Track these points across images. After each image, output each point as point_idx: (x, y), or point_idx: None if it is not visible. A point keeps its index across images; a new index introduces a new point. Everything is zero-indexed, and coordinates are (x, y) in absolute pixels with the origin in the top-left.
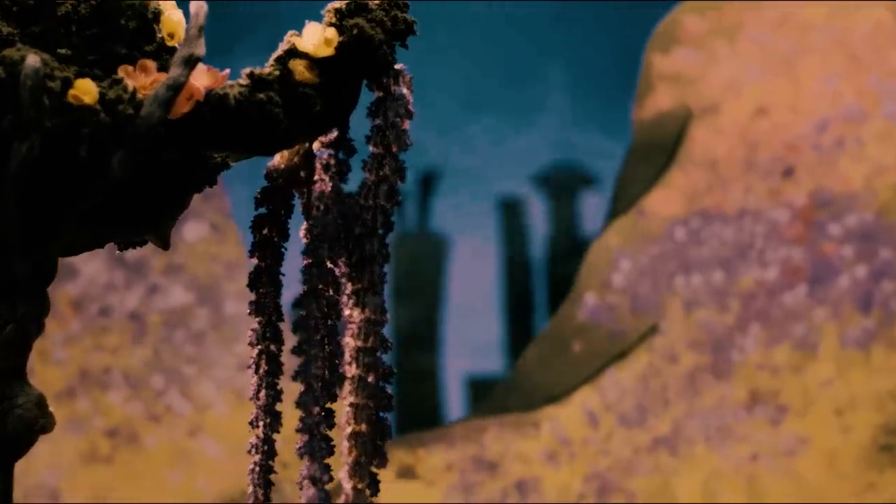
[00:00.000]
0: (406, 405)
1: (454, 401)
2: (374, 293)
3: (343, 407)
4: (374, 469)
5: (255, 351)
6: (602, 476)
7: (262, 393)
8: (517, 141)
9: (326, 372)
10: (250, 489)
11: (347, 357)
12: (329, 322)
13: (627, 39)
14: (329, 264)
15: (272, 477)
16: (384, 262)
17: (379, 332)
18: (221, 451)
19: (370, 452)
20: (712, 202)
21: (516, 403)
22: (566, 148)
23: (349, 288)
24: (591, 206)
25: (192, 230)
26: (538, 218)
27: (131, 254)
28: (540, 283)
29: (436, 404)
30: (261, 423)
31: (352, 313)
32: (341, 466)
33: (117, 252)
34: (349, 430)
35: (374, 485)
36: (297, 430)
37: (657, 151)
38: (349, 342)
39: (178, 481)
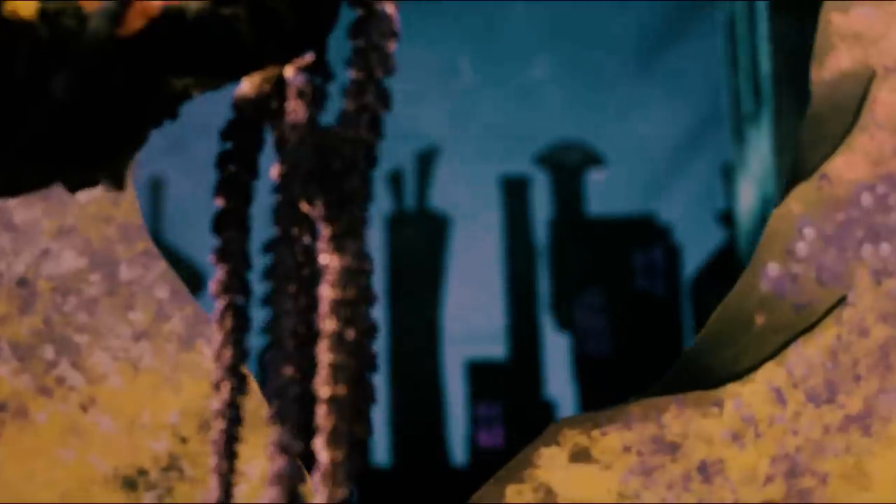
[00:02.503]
0: (405, 389)
1: (455, 385)
2: (354, 237)
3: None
4: (355, 438)
5: (219, 304)
6: (791, 457)
7: (227, 352)
8: (522, 118)
9: (300, 327)
10: (214, 459)
11: (325, 310)
12: (304, 271)
13: (637, 20)
14: (304, 205)
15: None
16: (366, 202)
17: (360, 281)
18: (117, 426)
19: (350, 418)
20: None
21: (696, 380)
22: (572, 126)
23: (326, 231)
24: (598, 186)
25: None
26: (542, 198)
27: (19, 216)
28: (543, 265)
29: (436, 388)
30: (225, 386)
31: (329, 260)
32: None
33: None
34: (326, 392)
35: (356, 455)
36: (267, 393)
37: (839, 114)
38: (326, 293)
39: (71, 458)
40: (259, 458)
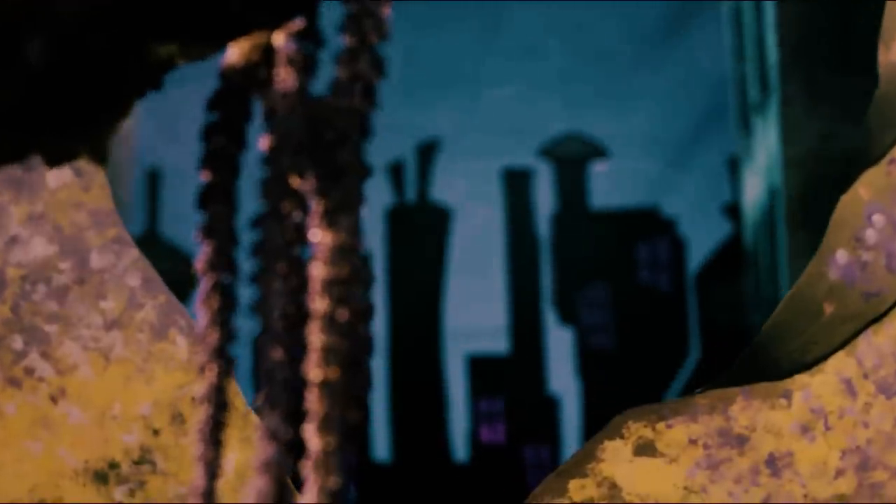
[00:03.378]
0: (406, 384)
1: (456, 380)
2: (347, 212)
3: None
4: (349, 424)
5: (206, 283)
6: (862, 450)
7: (213, 333)
8: (525, 112)
9: (290, 308)
10: (199, 447)
11: (316, 290)
12: (294, 248)
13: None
14: (294, 178)
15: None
16: (361, 176)
17: (353, 259)
18: (87, 418)
19: (343, 403)
20: None
21: (764, 371)
22: (576, 120)
23: (318, 206)
24: (602, 179)
25: (54, 175)
26: (545, 191)
27: None
28: (546, 258)
29: (438, 383)
30: (211, 369)
31: (321, 237)
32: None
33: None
34: (317, 376)
35: (350, 443)
36: (255, 376)
37: None
38: (317, 272)
39: (40, 451)
40: (234, 450)
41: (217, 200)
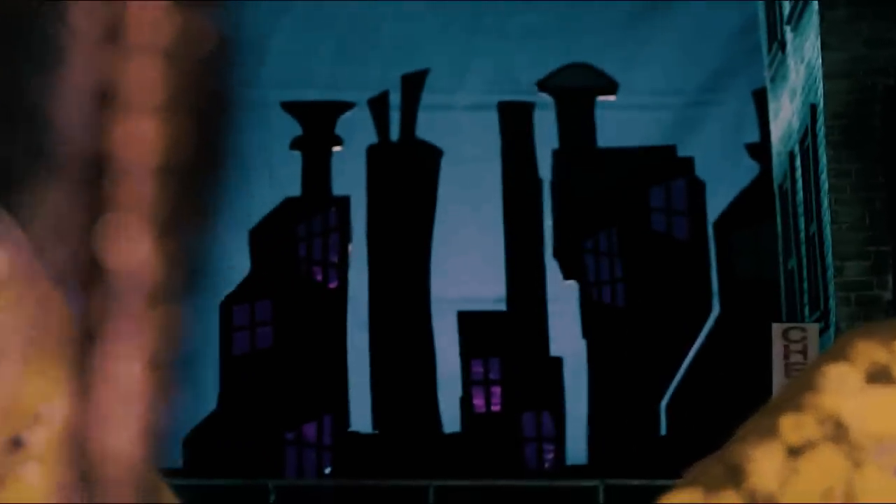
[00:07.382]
0: (390, 348)
1: (446, 340)
2: None
3: None
4: (197, 229)
5: None
6: None
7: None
8: (524, 42)
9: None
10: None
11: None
12: None
13: None
14: None
15: None
16: None
17: None
18: None
19: (196, 194)
20: None
21: None
22: (588, 55)
23: None
24: (609, 114)
25: None
26: (547, 126)
27: None
28: (547, 199)
29: (426, 345)
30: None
31: None
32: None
33: None
34: (149, 148)
35: (196, 254)
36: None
37: None
38: None
39: None
40: (62, 394)
41: None
